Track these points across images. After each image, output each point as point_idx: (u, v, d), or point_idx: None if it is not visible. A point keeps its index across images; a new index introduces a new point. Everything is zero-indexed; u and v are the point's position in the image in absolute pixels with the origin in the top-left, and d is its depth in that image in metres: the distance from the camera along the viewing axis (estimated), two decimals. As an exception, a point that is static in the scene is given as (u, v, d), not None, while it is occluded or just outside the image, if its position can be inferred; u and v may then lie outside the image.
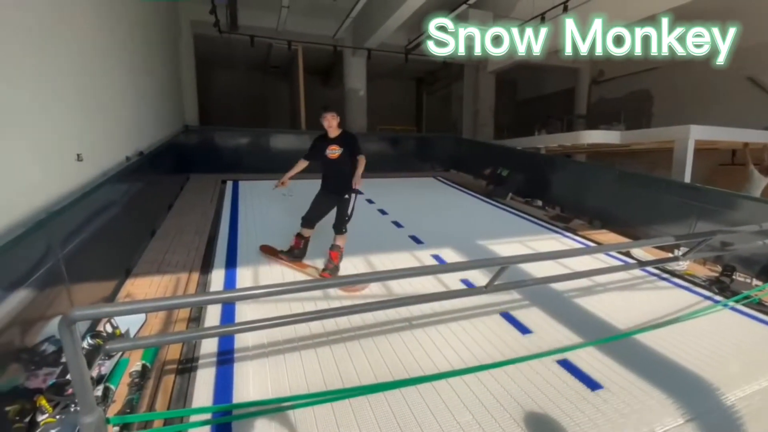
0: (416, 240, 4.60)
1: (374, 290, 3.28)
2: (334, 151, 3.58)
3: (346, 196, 3.55)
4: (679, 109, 9.15)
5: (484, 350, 2.51)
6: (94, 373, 2.02)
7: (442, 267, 2.08)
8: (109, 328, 2.32)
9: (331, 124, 3.55)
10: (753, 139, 6.77)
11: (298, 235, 3.76)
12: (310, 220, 3.73)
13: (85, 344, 2.13)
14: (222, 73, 13.07)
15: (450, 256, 4.20)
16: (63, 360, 1.97)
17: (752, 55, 7.93)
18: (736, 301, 3.24)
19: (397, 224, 5.21)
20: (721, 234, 3.82)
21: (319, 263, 3.70)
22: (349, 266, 3.78)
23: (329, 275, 3.45)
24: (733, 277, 3.73)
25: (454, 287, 3.33)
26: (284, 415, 1.88)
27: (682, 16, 7.73)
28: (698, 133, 6.06)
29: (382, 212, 5.80)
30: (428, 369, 2.28)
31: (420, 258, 4.11)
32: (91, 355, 2.02)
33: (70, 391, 1.83)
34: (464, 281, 3.54)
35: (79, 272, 2.47)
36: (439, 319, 2.87)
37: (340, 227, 3.58)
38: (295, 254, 3.73)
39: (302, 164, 3.80)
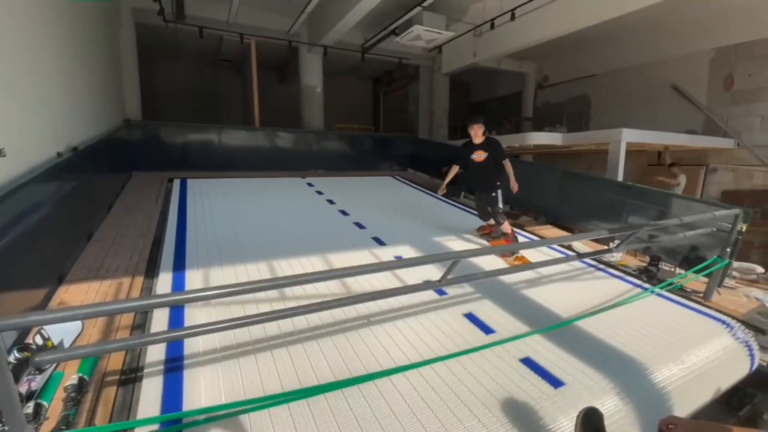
0: (379, 241, 4.59)
1: (332, 289, 3.27)
2: (479, 156, 4.43)
3: (493, 193, 4.45)
4: (613, 114, 9.94)
5: (440, 343, 2.59)
6: (23, 389, 1.84)
7: (398, 263, 2.12)
8: (39, 340, 2.12)
9: (477, 133, 4.37)
10: (676, 141, 7.52)
11: (482, 228, 4.95)
12: (481, 214, 4.87)
13: (11, 358, 1.93)
14: (168, 65, 12.30)
15: (408, 253, 4.28)
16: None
17: (676, 65, 8.81)
18: (662, 288, 3.59)
19: (360, 225, 5.19)
20: (648, 227, 4.19)
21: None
22: (308, 266, 3.74)
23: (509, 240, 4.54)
24: (659, 266, 4.14)
25: (411, 284, 3.39)
26: (238, 420, 1.82)
27: (616, 28, 8.42)
28: (629, 135, 6.63)
29: (344, 213, 5.77)
30: (387, 365, 2.32)
31: (380, 257, 4.15)
32: (19, 369, 1.84)
33: (-7, 410, 1.66)
34: (427, 283, 3.62)
35: (3, 280, 2.24)
36: (397, 315, 2.92)
37: (497, 219, 4.54)
38: (496, 235, 4.73)
39: (455, 169, 4.74)
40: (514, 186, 4.50)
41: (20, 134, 3.03)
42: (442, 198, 7.25)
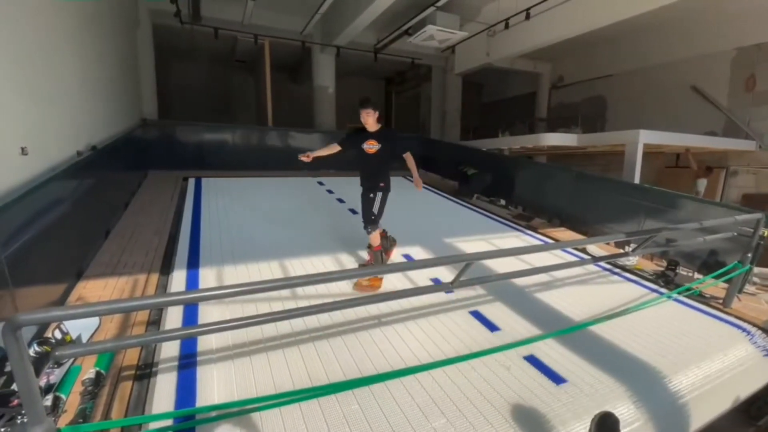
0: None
1: (344, 289, 3.27)
2: (371, 146, 3.51)
3: (371, 194, 3.58)
4: (630, 115, 9.75)
5: (450, 345, 2.58)
6: (43, 381, 1.89)
7: (409, 264, 2.11)
8: (58, 334, 2.18)
9: (366, 120, 3.45)
10: (695, 143, 7.34)
11: (372, 236, 3.68)
12: (366, 222, 3.61)
13: (31, 352, 1.99)
14: (184, 66, 12.51)
15: (419, 254, 4.27)
16: (8, 369, 1.84)
17: (695, 65, 8.61)
18: (680, 293, 3.51)
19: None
20: (666, 231, 4.11)
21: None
22: (319, 266, 3.75)
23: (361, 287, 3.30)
24: (677, 270, 4.04)
25: (422, 285, 3.38)
26: (250, 418, 1.84)
27: (632, 28, 8.27)
28: (647, 137, 6.49)
29: (354, 212, 5.79)
30: (397, 366, 2.31)
31: (391, 257, 4.14)
32: (39, 363, 1.89)
33: (16, 402, 1.71)
34: (436, 281, 3.61)
35: (24, 275, 2.30)
36: (408, 316, 2.92)
37: (365, 227, 3.57)
38: (384, 247, 3.76)
39: (333, 148, 3.71)
40: (419, 183, 3.81)
41: (42, 133, 3.11)
42: (454, 199, 7.22)
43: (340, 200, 6.40)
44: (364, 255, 4.10)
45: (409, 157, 3.66)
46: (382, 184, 3.58)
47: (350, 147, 3.63)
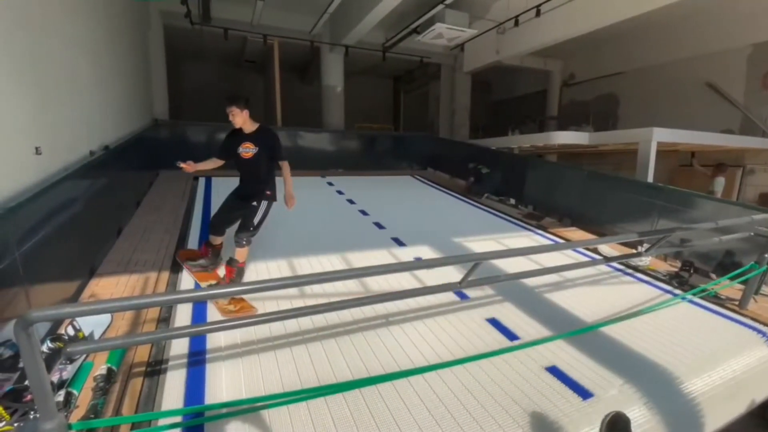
0: (398, 242, 4.56)
1: (351, 288, 3.27)
2: (247, 150, 3.07)
3: (254, 203, 3.11)
4: (642, 113, 9.57)
5: (459, 345, 2.56)
6: (55, 377, 1.92)
7: (418, 263, 2.09)
8: (71, 331, 2.22)
9: (235, 120, 3.01)
10: (711, 141, 7.16)
11: (207, 243, 3.35)
12: (214, 225, 3.31)
13: (44, 348, 2.02)
14: (194, 66, 12.65)
15: (428, 254, 4.25)
16: (21, 365, 1.87)
17: (710, 62, 8.41)
18: (694, 294, 3.43)
19: (379, 225, 5.18)
20: (680, 231, 4.03)
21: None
22: (327, 265, 3.76)
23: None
24: (692, 271, 3.95)
25: (430, 285, 3.36)
26: (258, 415, 1.85)
27: (645, 24, 8.11)
28: (660, 135, 6.36)
29: (364, 213, 5.78)
30: (405, 365, 2.30)
31: (398, 256, 4.14)
32: (51, 359, 1.93)
33: (29, 397, 1.74)
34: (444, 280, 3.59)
35: (38, 272, 2.35)
36: (416, 315, 2.90)
37: (240, 239, 3.09)
38: (201, 264, 3.26)
39: (214, 162, 3.29)
40: (290, 198, 3.24)
41: (56, 133, 3.17)
42: (463, 198, 7.18)
43: (351, 201, 6.41)
44: (372, 254, 4.10)
45: (285, 166, 3.23)
46: (268, 192, 3.18)
47: (226, 154, 3.22)
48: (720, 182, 7.01)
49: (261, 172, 3.15)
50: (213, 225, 3.34)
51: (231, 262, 3.16)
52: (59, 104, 3.29)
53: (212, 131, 8.28)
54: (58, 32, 3.37)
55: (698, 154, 8.12)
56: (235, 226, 3.21)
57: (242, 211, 3.18)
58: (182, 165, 3.18)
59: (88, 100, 4.07)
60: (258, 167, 3.13)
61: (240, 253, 3.13)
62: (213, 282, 3.18)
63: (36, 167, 2.76)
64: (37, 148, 2.76)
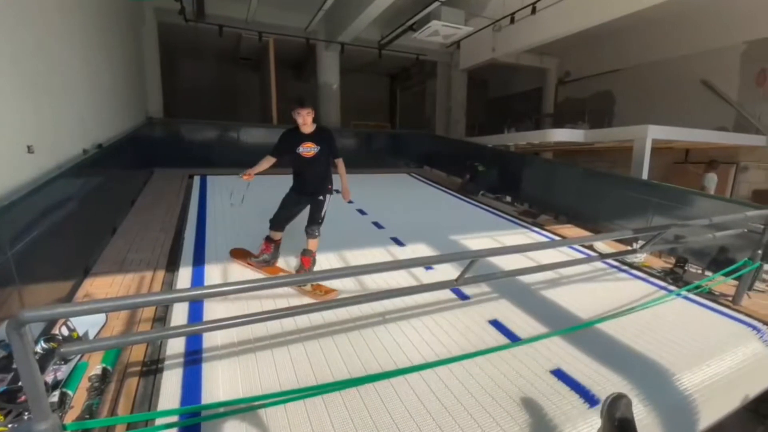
0: (396, 241, 4.54)
1: (348, 286, 3.27)
2: (309, 149, 3.28)
3: (321, 197, 3.37)
4: (638, 110, 9.61)
5: (456, 342, 2.56)
6: (50, 378, 1.91)
7: (414, 261, 2.09)
8: (65, 331, 2.20)
9: (306, 120, 3.21)
10: (705, 139, 7.21)
11: (268, 239, 3.52)
12: (278, 222, 3.49)
13: (38, 348, 2.00)
14: (189, 63, 12.55)
15: (424, 251, 4.25)
16: (15, 366, 1.85)
17: (705, 59, 8.46)
18: (689, 291, 3.46)
19: (378, 225, 5.14)
20: (674, 227, 4.03)
21: (293, 266, 3.62)
22: (325, 264, 3.75)
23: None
24: (686, 268, 3.98)
25: (427, 282, 3.37)
26: (255, 414, 1.84)
27: (641, 21, 8.14)
28: (655, 132, 6.40)
29: (361, 212, 5.76)
30: (401, 363, 2.31)
31: (395, 254, 4.14)
32: (45, 360, 1.91)
33: (23, 398, 1.72)
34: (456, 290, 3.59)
35: (31, 272, 2.32)
36: (412, 313, 2.91)
37: (312, 231, 3.37)
38: (265, 259, 3.48)
39: (268, 161, 3.46)
40: (347, 192, 3.50)
41: (48, 131, 3.13)
42: (459, 196, 7.18)
43: (360, 211, 6.39)
44: (369, 253, 4.10)
45: (341, 163, 3.46)
46: (330, 187, 3.44)
47: (282, 153, 3.40)
48: (711, 178, 7.08)
49: (323, 169, 3.37)
50: (277, 222, 3.49)
51: (306, 253, 3.38)
52: (52, 102, 3.25)
53: (207, 129, 8.25)
54: (50, 29, 3.32)
55: (693, 152, 8.18)
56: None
57: (303, 206, 3.46)
58: (245, 177, 3.39)
59: (81, 97, 4.02)
60: (320, 164, 3.34)
61: (313, 244, 3.39)
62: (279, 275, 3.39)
63: (28, 166, 2.73)
64: (29, 147, 2.73)
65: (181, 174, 6.88)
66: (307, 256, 3.36)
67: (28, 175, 2.68)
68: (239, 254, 3.67)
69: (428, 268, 3.69)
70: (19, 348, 1.11)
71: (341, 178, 3.45)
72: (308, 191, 3.41)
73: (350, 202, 3.33)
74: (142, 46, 7.69)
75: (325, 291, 3.12)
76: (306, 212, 3.46)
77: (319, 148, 3.29)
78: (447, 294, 3.20)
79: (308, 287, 3.13)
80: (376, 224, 5.15)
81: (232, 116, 12.39)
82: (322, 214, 3.39)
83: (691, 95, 8.77)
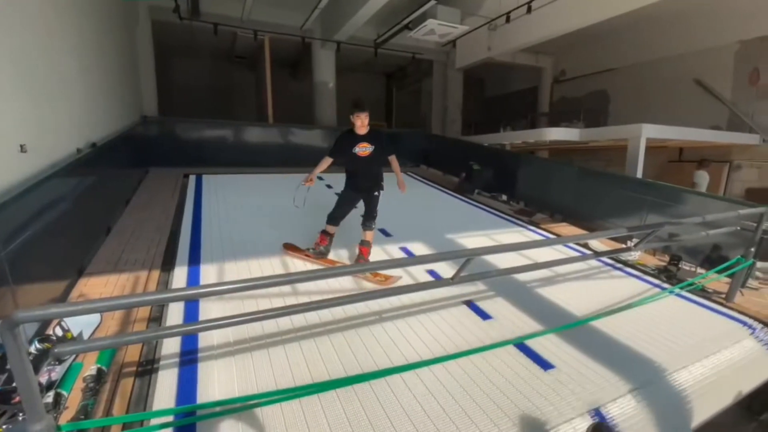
0: (384, 233, 4.63)
1: (344, 284, 3.27)
2: (364, 149, 3.52)
3: (376, 193, 3.69)
4: (633, 109, 9.67)
5: (451, 340, 2.57)
6: (44, 378, 1.90)
7: (410, 260, 2.10)
8: (59, 331, 2.18)
9: (363, 123, 3.45)
10: (698, 138, 7.27)
11: (324, 233, 3.79)
12: (336, 218, 3.77)
13: (32, 349, 1.99)
14: (184, 62, 12.47)
15: (420, 250, 4.26)
16: (8, 366, 1.84)
17: (699, 58, 8.52)
18: (682, 288, 3.49)
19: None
20: (668, 225, 4.08)
21: (344, 258, 3.89)
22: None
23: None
24: (679, 266, 4.02)
25: (422, 280, 3.38)
26: (251, 414, 1.84)
27: (636, 21, 8.18)
28: (649, 131, 6.44)
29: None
30: (397, 361, 2.31)
31: (389, 252, 4.14)
32: (39, 360, 1.89)
33: (17, 399, 1.71)
34: (432, 272, 3.61)
35: (25, 272, 2.31)
36: (408, 311, 2.91)
37: (369, 224, 3.70)
38: (321, 251, 3.75)
39: (327, 162, 3.68)
40: (403, 185, 3.76)
41: (41, 130, 3.10)
42: (455, 195, 7.20)
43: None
44: (382, 252, 4.10)
45: (394, 160, 3.71)
46: (382, 183, 3.72)
47: (340, 154, 3.60)
48: (702, 175, 7.15)
49: (377, 167, 3.66)
50: (335, 218, 3.78)
51: (364, 243, 3.73)
52: (45, 101, 3.23)
53: (202, 128, 8.20)
54: (43, 27, 3.29)
55: (687, 150, 8.25)
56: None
57: (357, 202, 3.79)
58: (306, 184, 3.65)
59: (75, 96, 3.99)
60: (374, 163, 3.62)
61: (370, 235, 3.75)
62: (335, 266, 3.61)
63: (21, 165, 2.71)
64: (22, 146, 2.71)
65: (177, 173, 6.85)
66: (365, 246, 3.72)
67: (20, 175, 2.66)
68: (292, 248, 3.93)
69: (430, 271, 3.70)
70: (12, 348, 1.10)
71: (396, 172, 3.73)
72: (364, 188, 3.70)
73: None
74: (137, 44, 7.63)
75: (384, 278, 3.37)
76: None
77: (373, 147, 3.54)
78: (442, 292, 3.21)
79: (368, 275, 3.39)
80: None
81: (228, 115, 12.34)
82: (377, 208, 3.74)
83: (685, 94, 8.83)
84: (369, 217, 3.71)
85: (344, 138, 3.58)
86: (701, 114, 8.36)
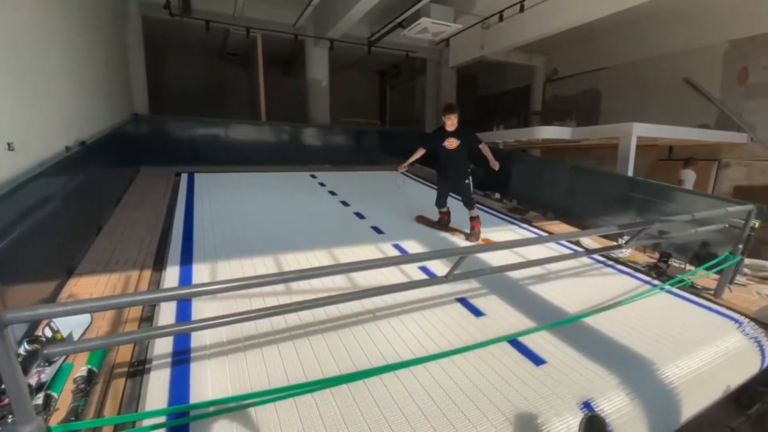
0: (377, 230, 4.64)
1: (338, 283, 3.27)
2: (452, 143, 4.43)
3: (466, 181, 4.62)
4: (624, 108, 9.77)
5: (445, 338, 2.58)
6: (33, 380, 1.87)
7: (404, 258, 2.10)
8: (48, 332, 2.15)
9: (453, 122, 4.37)
10: (688, 136, 7.37)
11: (440, 213, 4.90)
12: (440, 203, 4.86)
13: (21, 350, 1.96)
14: (175, 59, 12.31)
15: (414, 247, 4.26)
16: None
17: (689, 58, 8.62)
18: (672, 285, 3.54)
19: (361, 217, 5.22)
20: (658, 223, 4.15)
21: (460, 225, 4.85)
22: (312, 260, 3.74)
23: (475, 240, 4.54)
24: (669, 262, 4.08)
25: (416, 278, 3.39)
26: (245, 413, 1.84)
27: (627, 20, 8.26)
28: (640, 130, 6.51)
29: (347, 205, 5.77)
30: (392, 359, 2.32)
31: (383, 249, 4.14)
32: (29, 361, 1.86)
33: (6, 401, 1.68)
34: (425, 269, 3.62)
35: (13, 272, 2.27)
36: (402, 309, 2.92)
37: (471, 204, 4.64)
38: (444, 223, 4.89)
39: (419, 153, 4.76)
40: (495, 164, 4.55)
41: (28, 128, 3.05)
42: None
43: (332, 193, 6.38)
44: (359, 250, 4.11)
45: (485, 147, 4.58)
46: (470, 170, 4.65)
47: (431, 147, 4.65)
48: (688, 174, 7.26)
49: (464, 158, 4.56)
50: (439, 203, 4.88)
51: (474, 219, 4.61)
52: (32, 98, 3.17)
53: (194, 126, 8.12)
54: (30, 22, 3.23)
55: (676, 149, 8.36)
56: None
57: (451, 187, 4.79)
58: (401, 170, 4.96)
59: (63, 93, 3.93)
60: (461, 155, 4.52)
61: (475, 212, 4.65)
62: (456, 234, 4.84)
63: (8, 164, 2.66)
64: (9, 144, 2.66)
65: (168, 172, 6.78)
66: (475, 222, 4.59)
67: (7, 173, 2.61)
68: (424, 220, 5.11)
69: (422, 268, 3.71)
70: (1, 350, 1.09)
71: (487, 155, 4.56)
72: (454, 176, 4.65)
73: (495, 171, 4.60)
74: (127, 41, 7.52)
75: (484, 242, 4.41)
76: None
77: (459, 141, 4.44)
78: (435, 290, 3.22)
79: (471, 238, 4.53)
80: (359, 215, 5.16)
81: (220, 113, 12.24)
82: (472, 192, 4.65)
83: (675, 93, 8.94)
84: (468, 201, 4.61)
85: (436, 133, 4.58)
86: (690, 113, 8.47)
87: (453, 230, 4.84)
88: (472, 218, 4.60)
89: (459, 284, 3.32)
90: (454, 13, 7.91)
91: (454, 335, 2.63)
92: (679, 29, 8.58)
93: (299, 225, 4.85)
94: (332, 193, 6.54)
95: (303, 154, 8.95)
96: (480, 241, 4.51)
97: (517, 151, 9.43)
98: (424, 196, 7.04)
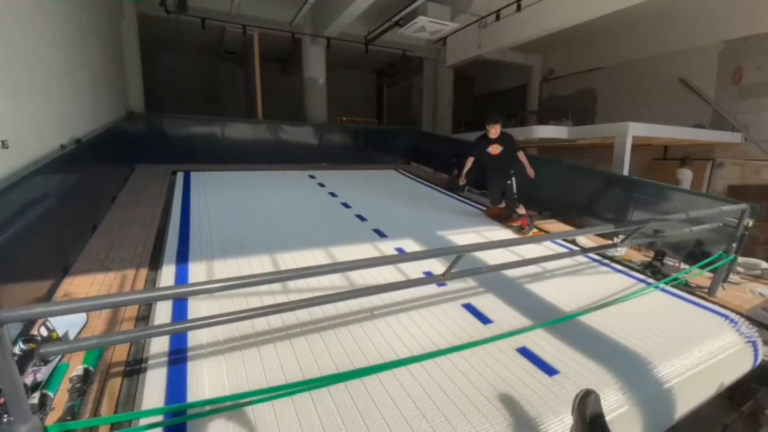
0: (380, 233, 4.60)
1: (335, 282, 3.27)
2: (495, 149, 4.96)
3: (509, 182, 5.07)
4: (620, 107, 9.82)
5: (442, 336, 2.59)
6: (29, 379, 1.86)
7: (401, 257, 2.11)
8: (44, 332, 2.14)
9: (496, 131, 4.91)
10: (683, 135, 7.42)
11: (497, 208, 5.46)
12: (494, 201, 5.45)
13: (16, 349, 1.95)
14: (172, 57, 12.24)
15: (411, 246, 4.27)
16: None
17: (684, 58, 8.68)
18: (666, 283, 3.57)
19: (361, 217, 5.20)
20: (653, 222, 4.18)
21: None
22: (310, 260, 3.74)
23: (524, 235, 4.87)
24: (664, 261, 4.11)
25: (414, 277, 3.39)
26: (242, 412, 1.84)
27: (623, 20, 8.29)
28: (635, 129, 6.55)
29: (346, 205, 5.76)
30: (389, 357, 2.32)
31: (383, 250, 4.15)
32: (24, 361, 1.85)
33: (1, 400, 1.68)
34: (426, 273, 3.62)
35: (7, 271, 2.25)
36: (400, 308, 2.92)
37: (516, 203, 5.09)
38: (507, 215, 5.29)
39: (470, 161, 5.29)
40: (531, 171, 4.99)
41: (23, 126, 3.03)
42: (446, 192, 7.23)
43: (332, 194, 6.37)
44: (357, 249, 4.11)
45: (522, 155, 5.01)
46: (512, 172, 5.06)
47: (478, 153, 5.16)
48: (685, 173, 7.32)
49: (506, 162, 5.04)
50: (492, 202, 5.52)
51: (521, 216, 5.06)
52: (26, 95, 3.14)
53: (190, 124, 8.08)
54: (24, 20, 3.20)
55: (671, 148, 8.41)
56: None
57: (497, 191, 5.32)
58: (461, 182, 5.55)
59: (58, 91, 3.90)
60: (504, 159, 5.03)
61: (521, 209, 5.08)
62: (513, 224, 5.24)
63: (3, 161, 2.64)
64: (3, 142, 2.64)
65: (164, 170, 6.74)
66: (523, 219, 5.01)
67: (2, 171, 2.59)
68: (492, 212, 5.63)
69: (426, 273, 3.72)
70: (-5, 349, 1.08)
71: (525, 164, 4.99)
72: (497, 178, 5.17)
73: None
74: (122, 39, 7.46)
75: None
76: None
77: (502, 147, 4.96)
78: (432, 288, 3.23)
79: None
80: (359, 216, 5.17)
81: (217, 111, 12.17)
82: (515, 191, 5.09)
83: (670, 93, 9.00)
84: (511, 200, 5.08)
85: (480, 140, 5.08)
86: (685, 112, 8.53)
87: (510, 224, 5.22)
88: (520, 216, 5.01)
89: (456, 283, 3.33)
90: (451, 11, 7.91)
91: (451, 333, 2.63)
92: (675, 29, 8.63)
93: (296, 223, 4.84)
94: (333, 194, 6.53)
95: (300, 152, 8.93)
96: (531, 234, 4.88)
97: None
98: (424, 196, 7.05)
